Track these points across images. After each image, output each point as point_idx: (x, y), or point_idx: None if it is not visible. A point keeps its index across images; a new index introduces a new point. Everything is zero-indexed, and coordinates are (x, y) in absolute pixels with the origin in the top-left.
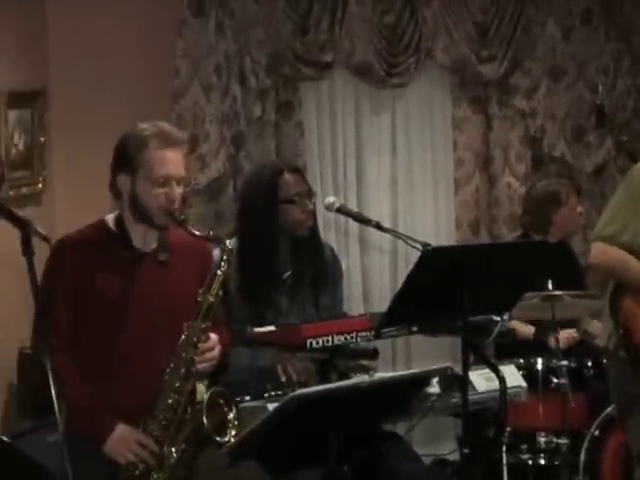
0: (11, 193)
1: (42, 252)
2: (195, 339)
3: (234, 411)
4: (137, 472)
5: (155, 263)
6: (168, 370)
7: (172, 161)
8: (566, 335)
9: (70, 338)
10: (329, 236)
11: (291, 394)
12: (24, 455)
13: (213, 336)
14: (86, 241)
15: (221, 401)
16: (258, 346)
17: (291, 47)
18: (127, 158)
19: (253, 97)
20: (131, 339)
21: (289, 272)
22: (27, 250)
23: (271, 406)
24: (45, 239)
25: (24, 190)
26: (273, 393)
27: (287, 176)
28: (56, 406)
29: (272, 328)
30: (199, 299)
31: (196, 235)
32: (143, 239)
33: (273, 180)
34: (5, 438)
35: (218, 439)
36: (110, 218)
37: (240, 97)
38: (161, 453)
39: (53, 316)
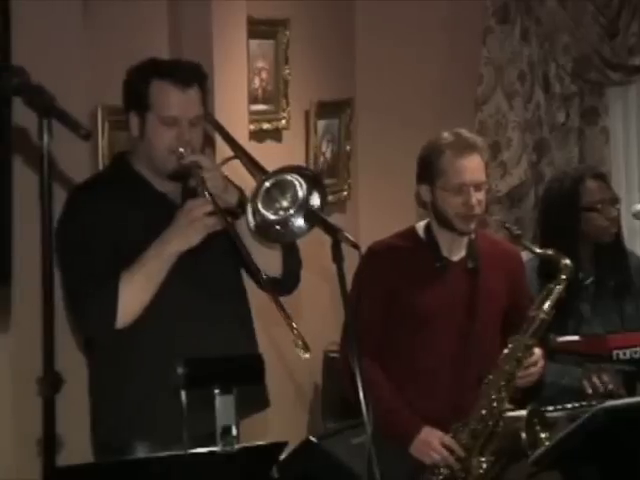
0: None
1: (350, 258)
2: (520, 354)
3: (547, 433)
4: (441, 476)
5: (464, 272)
6: (486, 381)
7: (468, 168)
8: None
9: (378, 343)
10: (634, 244)
11: (599, 405)
12: (330, 456)
13: (537, 351)
14: (396, 249)
15: (535, 420)
16: (563, 361)
17: (598, 51)
18: (426, 168)
19: (557, 103)
20: (439, 350)
21: (591, 279)
22: (337, 256)
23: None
24: (355, 246)
25: (330, 198)
26: (577, 404)
27: (589, 183)
28: (364, 409)
29: (576, 338)
30: (531, 314)
31: (537, 252)
32: (450, 247)
33: (574, 187)
34: (313, 439)
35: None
36: (420, 226)
37: (543, 103)
38: (468, 461)
39: (362, 320)
